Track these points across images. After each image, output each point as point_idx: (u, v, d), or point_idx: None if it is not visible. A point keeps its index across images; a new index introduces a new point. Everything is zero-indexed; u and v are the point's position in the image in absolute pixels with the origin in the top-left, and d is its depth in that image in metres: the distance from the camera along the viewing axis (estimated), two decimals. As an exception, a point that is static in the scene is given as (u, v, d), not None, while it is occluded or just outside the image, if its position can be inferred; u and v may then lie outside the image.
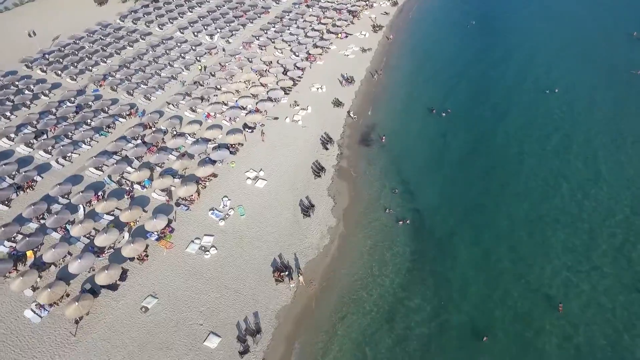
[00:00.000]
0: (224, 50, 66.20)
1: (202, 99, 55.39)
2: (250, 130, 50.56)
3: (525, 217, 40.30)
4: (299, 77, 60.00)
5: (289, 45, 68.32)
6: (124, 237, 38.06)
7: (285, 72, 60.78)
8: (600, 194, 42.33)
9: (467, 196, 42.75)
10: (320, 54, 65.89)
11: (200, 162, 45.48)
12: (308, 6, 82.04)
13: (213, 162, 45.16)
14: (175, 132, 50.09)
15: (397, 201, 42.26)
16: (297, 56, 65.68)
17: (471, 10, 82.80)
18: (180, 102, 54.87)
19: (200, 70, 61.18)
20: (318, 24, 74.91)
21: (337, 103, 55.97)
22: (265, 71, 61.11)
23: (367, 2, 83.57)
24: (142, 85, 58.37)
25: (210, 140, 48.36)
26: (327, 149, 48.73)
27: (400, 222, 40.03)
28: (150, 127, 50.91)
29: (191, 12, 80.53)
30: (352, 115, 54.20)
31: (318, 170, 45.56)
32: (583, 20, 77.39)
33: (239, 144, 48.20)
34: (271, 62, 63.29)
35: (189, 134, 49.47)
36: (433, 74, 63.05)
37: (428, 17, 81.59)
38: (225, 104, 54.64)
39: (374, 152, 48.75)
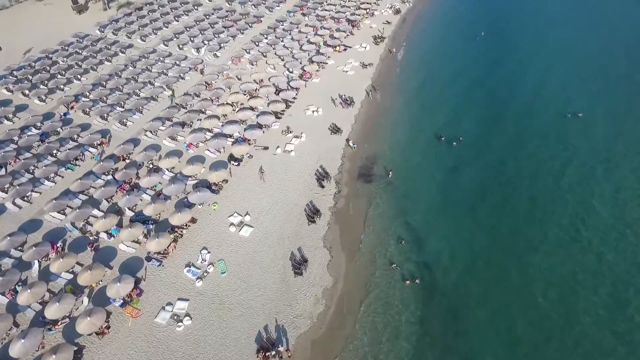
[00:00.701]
0: (202, 72, 59.54)
1: (183, 124, 49.56)
2: (236, 164, 44.74)
3: (544, 274, 34.71)
4: (293, 97, 54.10)
5: (282, 60, 62.47)
6: (82, 302, 32.39)
7: (277, 92, 54.89)
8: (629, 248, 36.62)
9: (484, 248, 37.01)
10: (317, 70, 59.98)
11: (178, 203, 39.75)
12: (304, 14, 76.08)
13: (192, 205, 39.38)
14: (151, 166, 44.27)
15: (404, 254, 36.55)
16: (292, 72, 59.87)
17: (479, 19, 77.03)
18: (159, 129, 49.05)
19: (171, 96, 54.31)
20: (314, 35, 68.94)
21: (335, 129, 50.12)
22: (255, 90, 55.27)
23: (368, 10, 77.63)
24: (117, 108, 52.44)
25: (190, 176, 42.56)
26: (322, 186, 42.91)
27: (407, 282, 34.35)
28: (124, 159, 45.09)
29: (177, 21, 74.44)
30: (351, 144, 48.31)
31: (312, 214, 39.77)
32: (604, 31, 71.47)
33: (223, 180, 42.41)
34: (262, 80, 57.39)
35: (167, 168, 43.59)
36: (440, 94, 57.22)
37: (433, 27, 75.68)
38: (210, 131, 48.85)
39: (377, 191, 42.91)
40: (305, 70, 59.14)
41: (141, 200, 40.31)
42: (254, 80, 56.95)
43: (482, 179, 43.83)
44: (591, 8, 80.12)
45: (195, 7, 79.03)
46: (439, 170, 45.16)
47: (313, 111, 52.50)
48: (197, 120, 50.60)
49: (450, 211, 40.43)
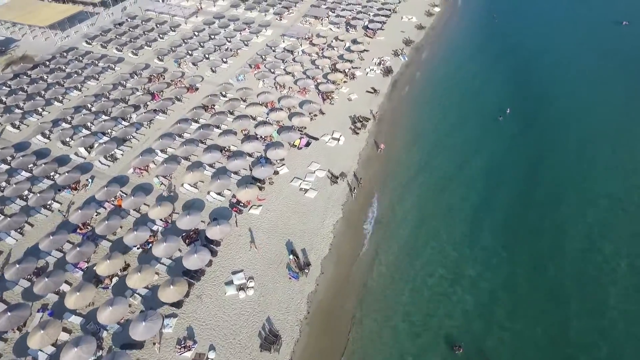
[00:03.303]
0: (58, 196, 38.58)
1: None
2: None
3: None
4: (211, 258, 32.78)
5: (212, 168, 41.36)
6: None
7: (188, 240, 33.79)
8: None
9: None
10: (263, 188, 38.92)
11: None
12: (258, 79, 54.63)
13: None
14: None
15: None
16: (220, 194, 38.70)
17: (501, 85, 55.55)
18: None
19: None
20: (267, 116, 47.72)
21: (268, 342, 28.71)
22: (153, 237, 34.14)
23: (348, 71, 56.23)
24: None
25: None
26: None
27: None
28: None
29: (79, 90, 53.21)
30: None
31: None
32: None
33: None
34: (170, 216, 36.14)
35: None
36: (451, 245, 35.54)
37: (436, 99, 53.97)
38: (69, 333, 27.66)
39: None
40: (237, 202, 37.58)
41: None
42: (153, 221, 35.73)
43: None
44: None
45: (112, 67, 57.63)
46: None
47: (241, 287, 31.28)
48: (39, 309, 29.50)
49: None
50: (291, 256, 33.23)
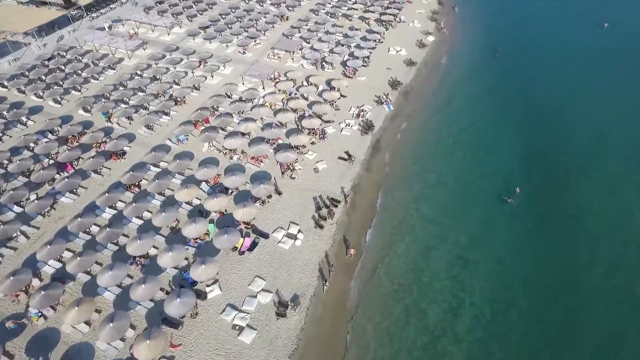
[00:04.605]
0: None
1: None
2: None
3: None
4: None
5: (119, 287, 29.86)
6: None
7: None
8: None
9: None
10: (181, 325, 27.52)
11: None
12: (203, 141, 43.08)
13: None
14: None
15: None
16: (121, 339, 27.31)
17: (507, 152, 44.07)
18: None
19: None
20: (201, 206, 36.17)
21: None
22: None
23: (317, 130, 44.78)
24: None
25: None
26: None
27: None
28: None
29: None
30: None
31: None
32: None
33: None
34: (29, 388, 24.82)
35: None
36: None
37: (427, 170, 42.30)
38: None
39: None
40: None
41: None
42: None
43: None
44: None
45: (22, 121, 46.01)
46: None
47: None
48: None
49: None
50: None
